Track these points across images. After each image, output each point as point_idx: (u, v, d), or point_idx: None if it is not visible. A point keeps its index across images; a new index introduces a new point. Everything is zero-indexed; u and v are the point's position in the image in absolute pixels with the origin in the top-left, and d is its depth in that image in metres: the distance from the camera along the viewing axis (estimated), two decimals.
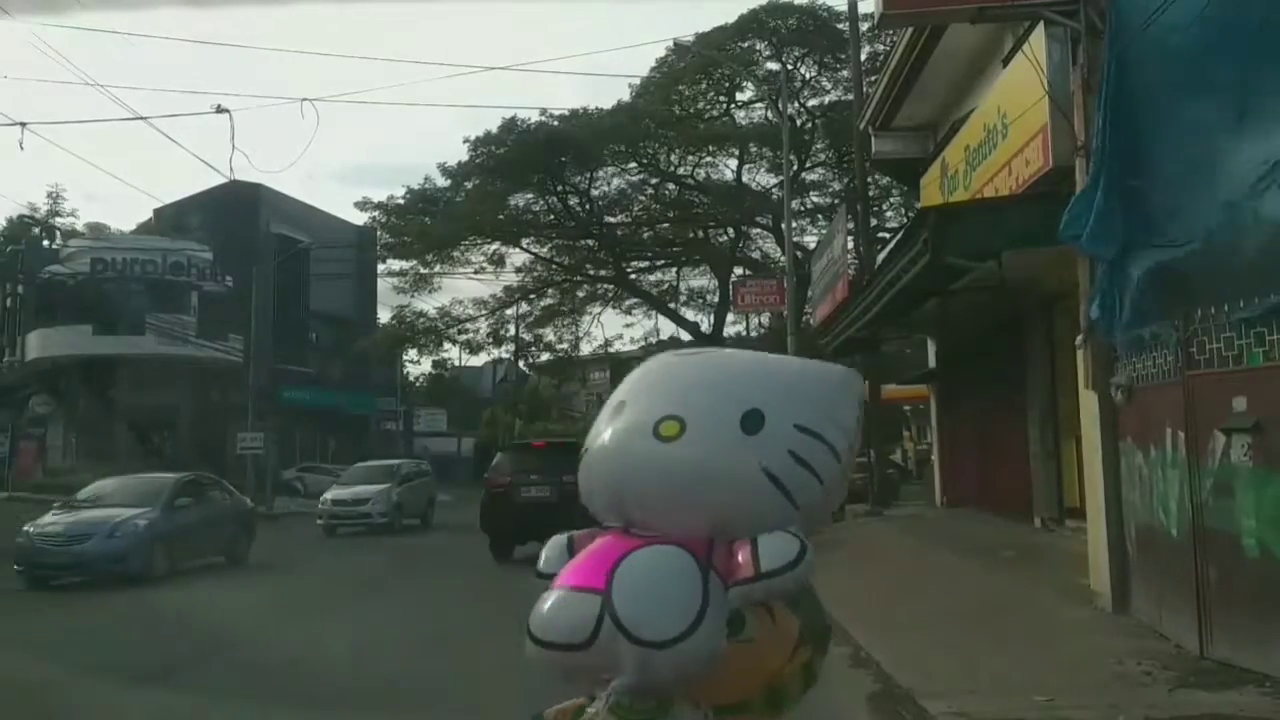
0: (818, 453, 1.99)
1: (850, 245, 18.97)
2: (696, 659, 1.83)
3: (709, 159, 30.69)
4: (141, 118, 41.53)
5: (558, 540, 2.13)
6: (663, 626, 1.83)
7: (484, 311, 32.79)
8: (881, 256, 15.92)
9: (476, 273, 31.66)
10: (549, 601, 1.95)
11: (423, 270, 31.75)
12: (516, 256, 31.93)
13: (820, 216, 29.37)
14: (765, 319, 34.38)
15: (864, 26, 21.39)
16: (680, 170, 30.92)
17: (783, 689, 2.01)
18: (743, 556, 1.89)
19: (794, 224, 24.48)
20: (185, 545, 13.85)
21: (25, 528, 13.09)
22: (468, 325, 33.01)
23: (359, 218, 34.64)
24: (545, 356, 37.18)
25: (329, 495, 23.00)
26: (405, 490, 23.16)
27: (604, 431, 2.13)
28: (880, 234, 24.46)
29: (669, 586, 1.89)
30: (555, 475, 13.89)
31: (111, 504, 13.72)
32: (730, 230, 32.26)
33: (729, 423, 2.00)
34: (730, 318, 34.56)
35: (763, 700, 1.99)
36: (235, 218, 36.46)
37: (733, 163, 30.82)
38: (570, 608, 1.91)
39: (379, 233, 33.32)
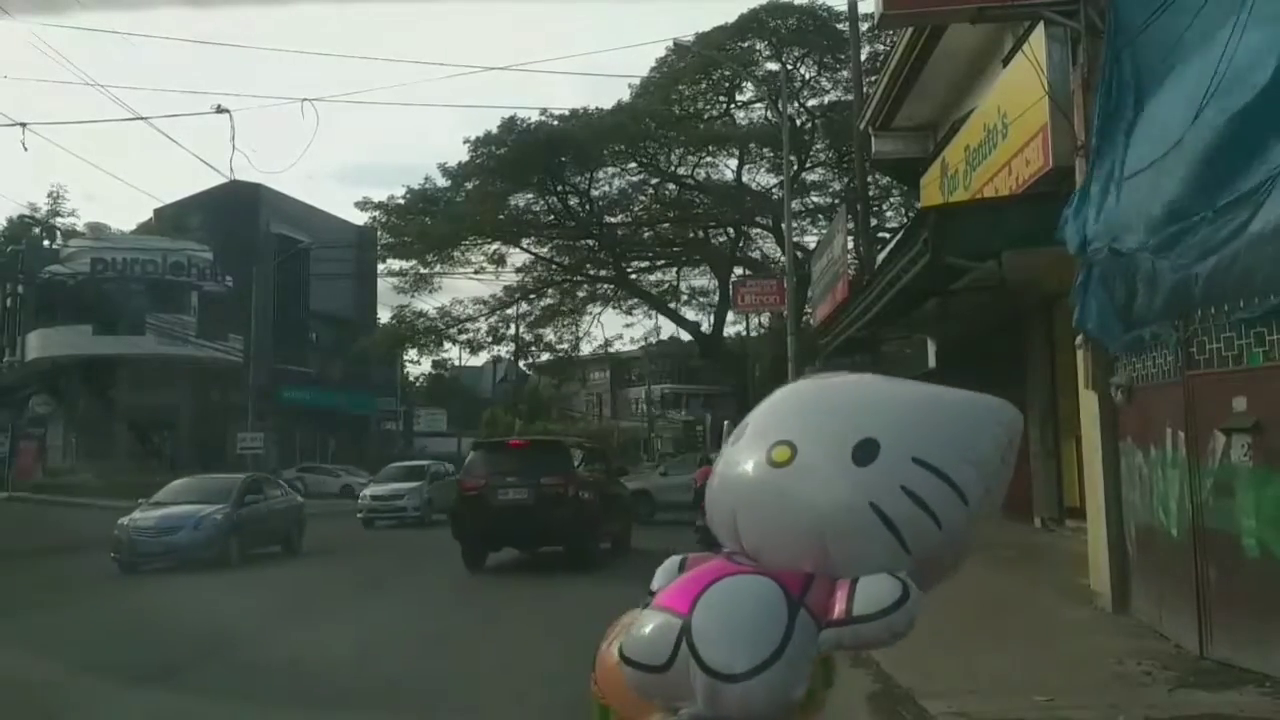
0: (938, 492, 1.79)
1: (850, 245, 18.96)
2: (768, 700, 1.71)
3: (709, 159, 30.70)
4: (141, 118, 41.66)
5: (671, 561, 2.07)
6: (732, 659, 1.72)
7: (484, 311, 32.80)
8: (881, 256, 15.91)
9: (476, 273, 31.69)
10: (640, 619, 1.89)
11: (423, 270, 31.75)
12: (516, 256, 31.95)
13: (820, 216, 29.37)
14: (765, 319, 34.41)
15: (864, 26, 21.39)
16: (680, 170, 30.91)
17: (813, 692, 1.85)
18: (838, 596, 1.76)
19: (794, 224, 24.47)
20: (252, 536, 16.04)
21: (120, 521, 14.99)
22: (468, 325, 33.02)
23: (359, 218, 34.64)
24: (545, 356, 37.17)
25: (368, 492, 26.02)
26: (435, 488, 24.89)
27: (727, 453, 2.04)
28: (880, 234, 24.46)
29: (747, 619, 1.78)
30: (533, 477, 13.43)
31: (190, 501, 15.66)
32: (730, 230, 32.25)
33: (840, 451, 1.84)
34: (730, 318, 34.61)
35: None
36: (235, 218, 36.49)
37: (733, 163, 30.83)
38: (655, 629, 1.84)
39: (379, 233, 33.30)
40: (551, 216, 31.19)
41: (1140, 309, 6.50)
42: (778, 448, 1.90)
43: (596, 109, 29.54)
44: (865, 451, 1.82)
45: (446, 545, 14.09)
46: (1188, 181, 5.93)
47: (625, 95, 30.12)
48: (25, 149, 28.23)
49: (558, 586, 12.21)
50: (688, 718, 1.78)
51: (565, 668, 4.67)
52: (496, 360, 46.73)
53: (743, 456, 1.97)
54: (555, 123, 28.73)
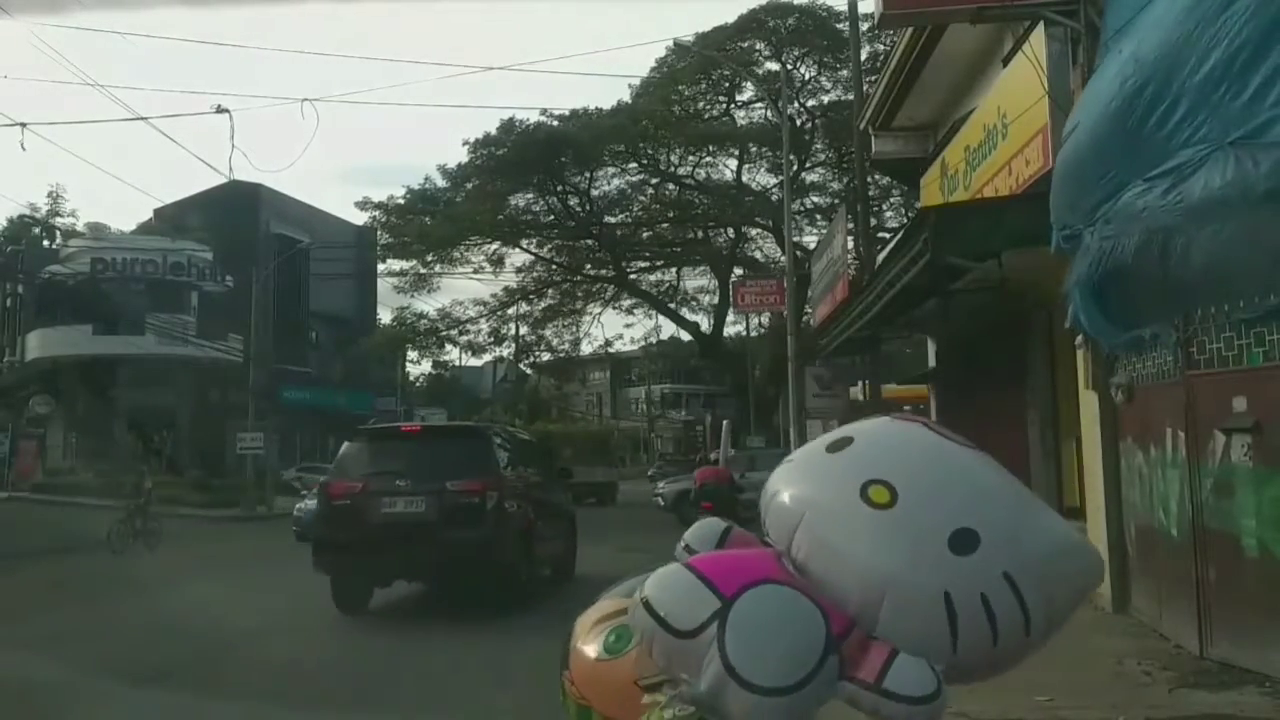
0: (1011, 613, 1.76)
1: (850, 245, 18.96)
2: None
3: (709, 159, 30.74)
4: (142, 118, 41.71)
5: (713, 524, 2.02)
6: (760, 671, 1.71)
7: (484, 312, 32.82)
8: (881, 256, 15.90)
9: (476, 272, 31.75)
10: (675, 573, 1.85)
11: (423, 270, 31.78)
12: (516, 257, 31.99)
13: (820, 216, 29.38)
14: (765, 319, 34.43)
15: (864, 26, 21.39)
16: (680, 170, 30.94)
17: None
18: (873, 658, 1.73)
19: (794, 224, 24.48)
20: None
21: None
22: (468, 326, 33.03)
23: (359, 218, 34.68)
24: (546, 356, 37.20)
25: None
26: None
27: (813, 458, 1.99)
28: (880, 234, 24.46)
29: (787, 639, 1.75)
30: (435, 479, 9.45)
31: None
32: (730, 230, 32.26)
33: (940, 528, 1.80)
34: (730, 317, 34.64)
35: None
36: (235, 218, 36.46)
37: (732, 163, 30.87)
38: (690, 593, 1.80)
39: (379, 233, 33.33)
40: (551, 216, 31.21)
41: (1130, 305, 6.49)
42: (876, 487, 1.84)
43: (596, 109, 29.59)
44: (963, 541, 1.78)
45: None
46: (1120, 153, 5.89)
47: (625, 95, 30.18)
48: (24, 149, 28.27)
49: (474, 630, 8.82)
50: (686, 696, 1.78)
51: None
52: (497, 361, 46.79)
53: (834, 472, 1.92)
54: (555, 123, 28.77)
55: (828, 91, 29.18)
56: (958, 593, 1.74)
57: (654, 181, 31.34)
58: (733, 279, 29.72)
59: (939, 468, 1.95)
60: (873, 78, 19.89)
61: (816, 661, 1.71)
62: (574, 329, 35.63)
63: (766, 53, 28.65)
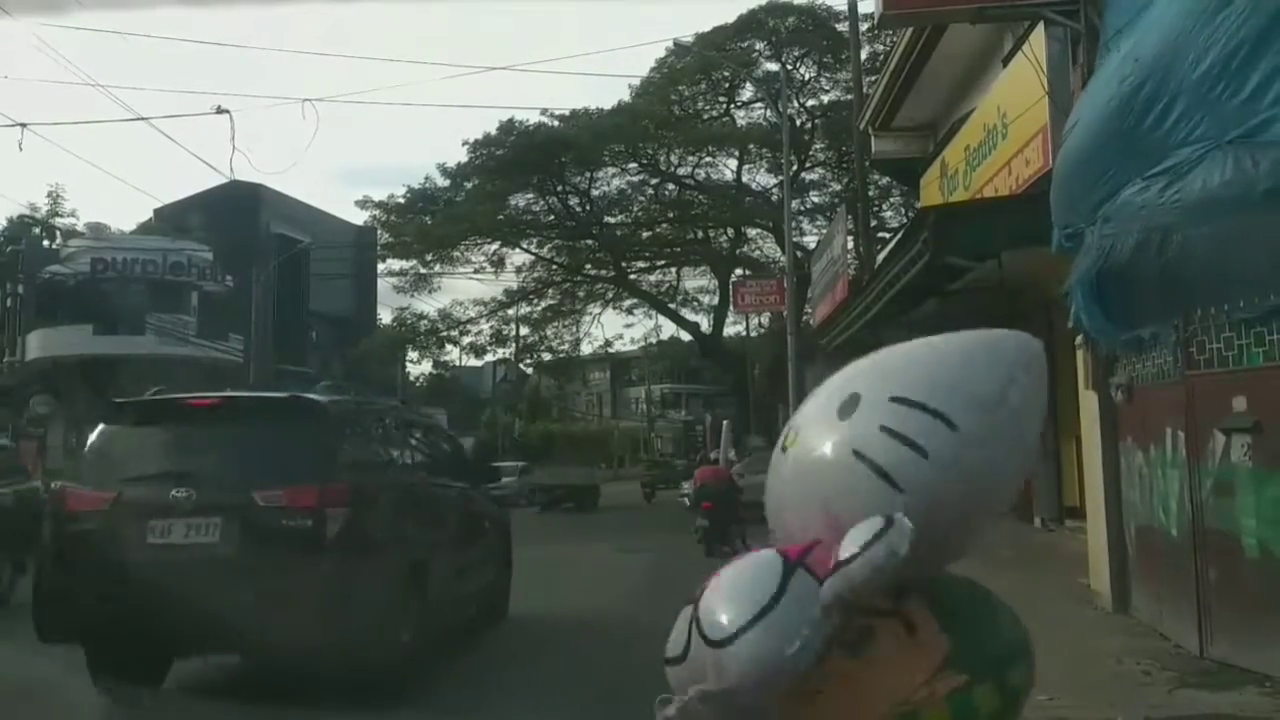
0: (920, 423, 1.77)
1: (850, 245, 18.96)
2: (755, 658, 1.67)
3: (709, 159, 30.75)
4: (142, 118, 41.66)
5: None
6: (723, 621, 1.75)
7: (484, 313, 32.83)
8: (881, 256, 15.90)
9: (476, 273, 31.74)
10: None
11: (423, 270, 31.79)
12: (517, 257, 31.99)
13: (820, 216, 29.39)
14: (765, 319, 34.43)
15: (864, 26, 21.40)
16: (680, 170, 30.95)
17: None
18: (836, 551, 1.76)
19: (794, 224, 24.48)
20: None
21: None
22: (469, 327, 33.04)
23: (359, 217, 34.69)
24: (547, 357, 37.23)
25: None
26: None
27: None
28: (880, 234, 24.46)
29: (739, 585, 1.81)
30: (237, 487, 5.75)
31: None
32: (730, 230, 32.26)
33: (828, 414, 1.92)
34: (730, 318, 34.62)
35: None
36: (235, 218, 36.44)
37: (732, 163, 30.89)
38: (679, 621, 1.91)
39: (379, 232, 33.34)
40: (551, 217, 31.22)
41: (1130, 305, 6.49)
42: (788, 435, 2.01)
43: (596, 109, 29.60)
44: (847, 406, 1.88)
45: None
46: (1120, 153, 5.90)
47: (625, 95, 30.18)
48: (21, 149, 28.25)
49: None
50: (697, 694, 1.78)
51: None
52: (498, 362, 46.79)
53: (774, 454, 2.10)
54: (555, 123, 28.77)
55: (827, 91, 29.23)
56: (862, 444, 1.80)
57: (654, 182, 31.36)
58: (733, 279, 29.74)
59: (832, 382, 2.10)
60: (873, 78, 19.88)
61: (777, 585, 1.74)
62: (574, 329, 35.68)
63: (766, 53, 28.67)
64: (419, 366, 50.28)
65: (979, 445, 1.77)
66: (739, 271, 31.09)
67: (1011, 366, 1.91)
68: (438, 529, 7.24)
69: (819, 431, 1.88)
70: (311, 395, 6.93)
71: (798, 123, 28.45)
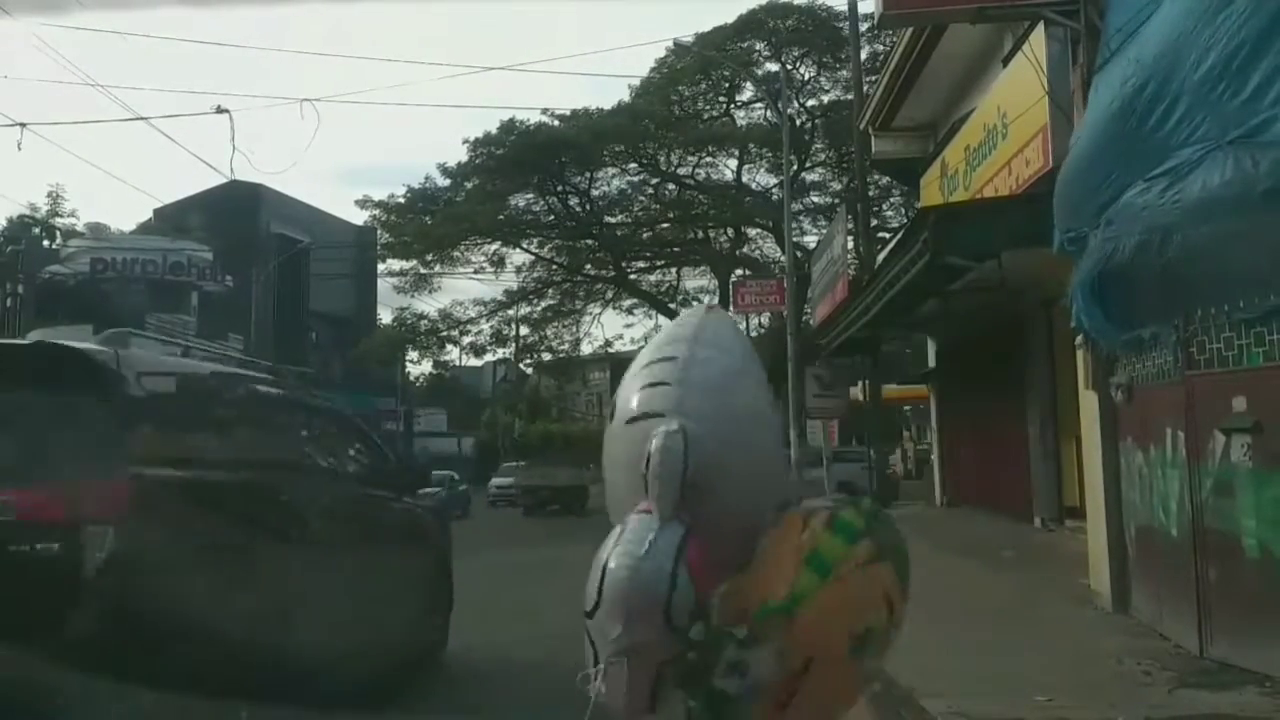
0: (653, 373, 2.43)
1: (850, 245, 18.97)
2: (619, 577, 2.15)
3: (709, 159, 30.76)
4: (141, 118, 41.63)
5: None
6: (600, 558, 2.26)
7: (484, 312, 32.84)
8: (881, 256, 15.90)
9: (476, 273, 31.75)
10: None
11: (423, 270, 31.79)
12: (517, 257, 32.00)
13: (820, 216, 29.40)
14: (765, 319, 34.42)
15: (864, 26, 21.42)
16: (680, 170, 30.96)
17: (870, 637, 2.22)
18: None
19: (794, 224, 24.48)
20: None
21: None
22: (469, 327, 33.05)
23: (359, 217, 34.68)
24: (547, 356, 37.23)
25: (494, 482, 32.75)
26: None
27: None
28: (880, 234, 24.48)
29: (611, 536, 2.32)
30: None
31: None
32: (730, 230, 32.27)
33: (618, 423, 2.56)
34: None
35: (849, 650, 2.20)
36: (235, 218, 36.45)
37: (732, 163, 30.89)
38: (591, 574, 2.32)
39: (379, 232, 33.34)
40: (551, 216, 31.24)
41: (1131, 305, 6.49)
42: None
43: (596, 109, 29.61)
44: (621, 413, 2.53)
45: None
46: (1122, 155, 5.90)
47: (625, 95, 30.20)
48: (20, 149, 28.24)
49: None
50: (608, 655, 2.23)
51: None
52: (498, 362, 46.77)
53: None
54: (555, 123, 28.78)
55: (827, 91, 29.25)
56: (629, 413, 2.48)
57: (654, 181, 31.37)
58: (733, 279, 29.73)
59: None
60: (873, 78, 19.90)
61: (622, 524, 2.32)
62: (574, 329, 35.69)
63: (766, 53, 28.68)
64: (419, 366, 50.28)
65: (700, 365, 2.43)
66: (739, 271, 31.08)
67: (691, 334, 2.55)
68: (308, 557, 4.84)
69: (613, 435, 2.60)
70: (76, 344, 4.26)
71: (798, 123, 28.46)
